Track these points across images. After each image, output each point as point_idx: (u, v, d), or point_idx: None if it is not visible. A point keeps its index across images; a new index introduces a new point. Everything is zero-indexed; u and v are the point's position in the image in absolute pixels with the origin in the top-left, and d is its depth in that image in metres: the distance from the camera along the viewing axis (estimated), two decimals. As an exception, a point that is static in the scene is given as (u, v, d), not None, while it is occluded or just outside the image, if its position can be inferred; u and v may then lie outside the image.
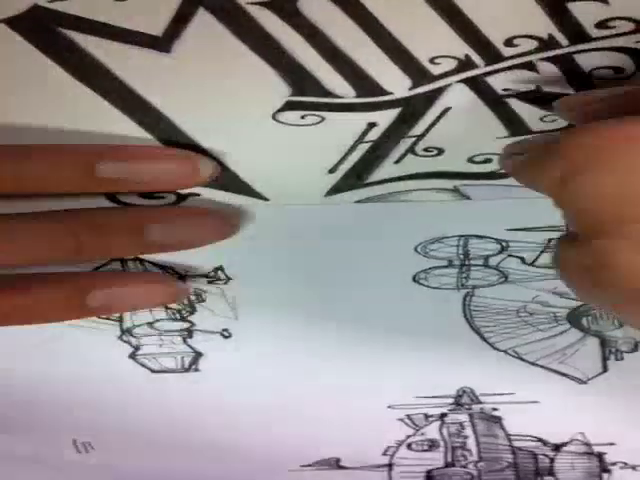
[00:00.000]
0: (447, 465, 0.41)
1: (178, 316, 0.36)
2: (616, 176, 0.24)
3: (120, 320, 0.36)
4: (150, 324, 0.36)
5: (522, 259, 0.35)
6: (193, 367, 0.38)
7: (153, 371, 0.38)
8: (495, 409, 0.39)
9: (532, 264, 0.35)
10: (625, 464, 0.41)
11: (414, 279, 0.35)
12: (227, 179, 0.32)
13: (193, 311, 0.36)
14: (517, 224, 0.34)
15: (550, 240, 0.34)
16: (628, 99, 0.27)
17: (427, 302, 0.36)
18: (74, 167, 0.30)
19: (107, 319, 0.36)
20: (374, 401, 0.39)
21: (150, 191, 0.32)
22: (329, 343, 0.37)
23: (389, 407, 0.39)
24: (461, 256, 0.35)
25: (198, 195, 0.32)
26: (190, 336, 0.37)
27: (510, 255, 0.35)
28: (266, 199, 0.33)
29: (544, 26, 0.27)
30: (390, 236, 0.34)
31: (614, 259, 0.24)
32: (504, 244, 0.34)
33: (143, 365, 0.37)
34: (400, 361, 0.38)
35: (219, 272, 0.35)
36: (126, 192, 0.32)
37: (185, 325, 0.36)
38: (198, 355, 0.37)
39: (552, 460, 0.41)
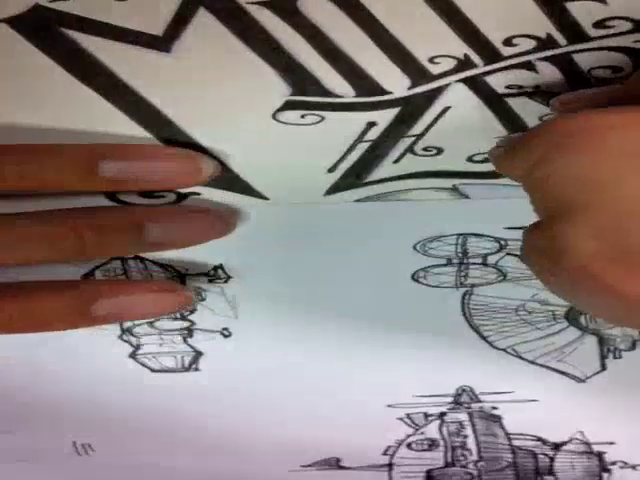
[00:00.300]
0: (447, 465, 0.41)
1: (178, 315, 0.36)
2: (581, 163, 0.25)
3: (120, 319, 0.36)
4: (150, 323, 0.36)
5: (520, 257, 0.35)
6: (193, 366, 0.38)
7: (153, 370, 0.38)
8: (494, 408, 0.39)
9: (530, 262, 0.35)
10: (625, 463, 0.41)
11: (413, 277, 0.35)
12: (227, 178, 0.32)
13: (193, 310, 0.36)
14: (515, 222, 0.34)
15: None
16: (613, 96, 0.27)
17: (426, 301, 0.36)
18: (76, 166, 0.30)
19: (108, 318, 0.36)
20: (374, 400, 0.39)
21: (151, 190, 0.32)
22: (329, 342, 0.37)
23: (389, 406, 0.39)
24: (460, 254, 0.35)
25: (199, 194, 0.33)
26: (190, 335, 0.37)
27: (508, 254, 0.35)
28: (266, 198, 0.33)
29: (543, 26, 0.27)
30: (389, 235, 0.34)
31: (571, 244, 0.24)
32: (502, 242, 0.34)
33: (143, 364, 0.38)
34: (399, 360, 0.38)
35: (219, 271, 0.35)
36: (127, 191, 0.32)
37: (185, 324, 0.36)
38: (198, 354, 0.37)
39: (552, 459, 0.41)
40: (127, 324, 0.36)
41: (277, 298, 0.36)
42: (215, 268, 0.35)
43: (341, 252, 0.35)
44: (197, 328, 0.37)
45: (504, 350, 0.37)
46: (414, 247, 0.34)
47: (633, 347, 0.37)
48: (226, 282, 0.35)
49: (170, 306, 0.34)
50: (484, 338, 0.37)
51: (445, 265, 0.35)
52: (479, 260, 0.35)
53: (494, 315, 0.36)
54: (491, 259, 0.35)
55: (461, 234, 0.34)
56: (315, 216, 0.34)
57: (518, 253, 0.35)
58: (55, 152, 0.30)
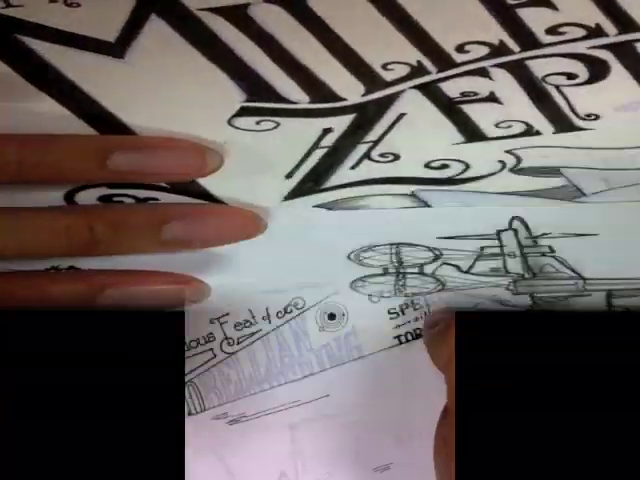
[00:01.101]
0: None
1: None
2: None
3: None
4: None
5: (458, 267, 0.35)
6: None
7: None
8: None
9: (468, 272, 0.35)
10: None
11: (351, 287, 0.35)
12: (185, 184, 0.32)
13: None
14: (448, 232, 0.34)
15: (483, 248, 0.34)
16: None
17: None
18: (88, 157, 0.30)
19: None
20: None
21: (161, 182, 0.32)
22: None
23: None
24: (395, 264, 0.35)
25: (157, 200, 0.33)
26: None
27: (445, 263, 0.34)
28: (224, 204, 0.33)
29: (495, 32, 0.27)
30: (323, 244, 0.34)
31: None
32: (437, 252, 0.34)
33: None
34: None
35: None
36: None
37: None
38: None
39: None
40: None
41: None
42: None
43: (279, 260, 0.34)
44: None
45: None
46: (348, 257, 0.34)
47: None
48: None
49: (181, 299, 0.34)
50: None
51: (382, 275, 0.35)
52: (416, 269, 0.35)
53: (439, 324, 0.36)
54: (428, 268, 0.35)
55: (394, 243, 0.34)
56: None
57: (455, 263, 0.34)
58: (69, 142, 0.30)
